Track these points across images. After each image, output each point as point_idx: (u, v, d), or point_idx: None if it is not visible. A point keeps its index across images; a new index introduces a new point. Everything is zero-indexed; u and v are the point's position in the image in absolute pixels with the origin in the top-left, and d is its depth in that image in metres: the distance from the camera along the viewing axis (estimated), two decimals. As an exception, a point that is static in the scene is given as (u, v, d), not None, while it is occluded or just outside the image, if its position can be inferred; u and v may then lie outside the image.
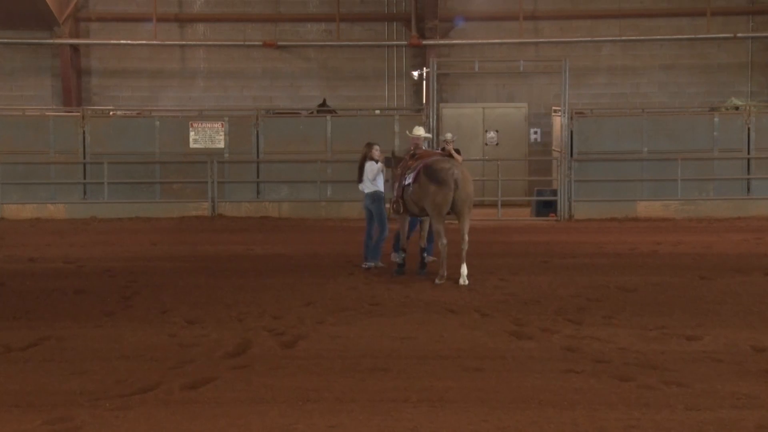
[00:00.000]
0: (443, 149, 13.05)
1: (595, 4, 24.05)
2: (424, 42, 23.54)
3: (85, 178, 20.26)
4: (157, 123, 20.37)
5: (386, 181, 12.78)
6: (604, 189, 19.64)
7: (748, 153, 19.80)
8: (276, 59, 24.31)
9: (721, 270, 12.05)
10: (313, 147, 20.07)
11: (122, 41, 24.09)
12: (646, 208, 19.58)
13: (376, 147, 12.62)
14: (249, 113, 21.15)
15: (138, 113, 22.03)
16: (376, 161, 12.48)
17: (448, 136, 13.08)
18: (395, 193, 11.88)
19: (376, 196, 12.47)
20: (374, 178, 12.46)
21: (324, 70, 24.43)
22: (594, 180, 19.63)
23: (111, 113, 22.06)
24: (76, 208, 19.99)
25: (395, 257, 11.98)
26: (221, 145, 20.21)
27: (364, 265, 12.34)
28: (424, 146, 13.24)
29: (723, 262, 12.83)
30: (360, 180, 12.60)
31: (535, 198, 20.41)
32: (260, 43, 24.00)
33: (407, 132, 13.30)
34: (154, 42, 23.90)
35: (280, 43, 24.02)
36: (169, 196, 20.19)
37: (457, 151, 12.44)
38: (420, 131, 12.54)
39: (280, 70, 24.36)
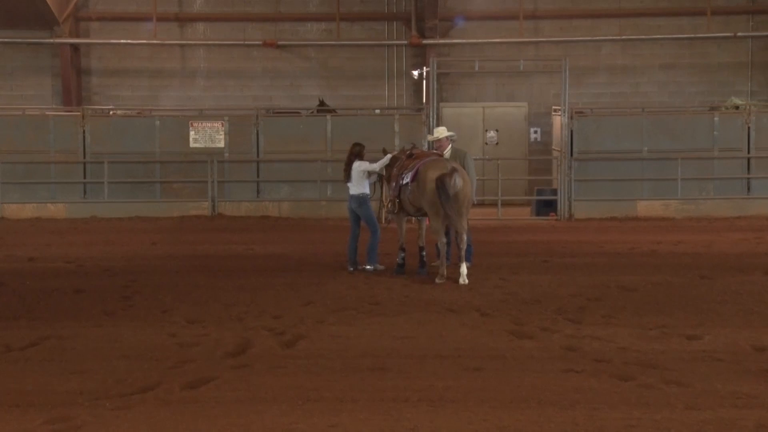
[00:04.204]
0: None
1: (595, 3, 24.06)
2: (424, 41, 23.55)
3: (85, 178, 20.27)
4: (157, 122, 20.37)
5: (374, 182, 12.52)
6: (604, 188, 19.64)
7: (748, 152, 19.80)
8: (276, 59, 24.32)
9: (721, 269, 12.04)
10: (313, 146, 20.07)
11: (122, 41, 24.11)
12: (646, 207, 19.59)
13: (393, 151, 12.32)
14: (249, 113, 21.15)
15: (138, 113, 22.05)
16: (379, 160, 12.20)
17: (450, 134, 13.00)
18: (391, 193, 11.83)
19: (362, 199, 12.12)
20: (360, 179, 12.11)
21: (324, 70, 24.44)
22: (594, 179, 19.64)
23: (111, 113, 22.08)
24: (76, 207, 19.99)
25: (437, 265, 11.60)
26: (221, 144, 20.21)
27: (349, 269, 12.07)
28: (424, 147, 13.16)
29: (723, 262, 12.82)
30: (348, 179, 12.26)
31: (535, 197, 20.42)
32: (260, 42, 24.01)
33: (429, 136, 13.09)
34: (154, 41, 23.93)
35: (280, 42, 24.03)
36: (169, 195, 20.19)
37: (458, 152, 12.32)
38: (441, 132, 12.29)
39: (280, 69, 24.37)
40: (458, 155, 12.27)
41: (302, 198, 20.12)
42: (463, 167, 11.84)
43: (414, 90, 24.20)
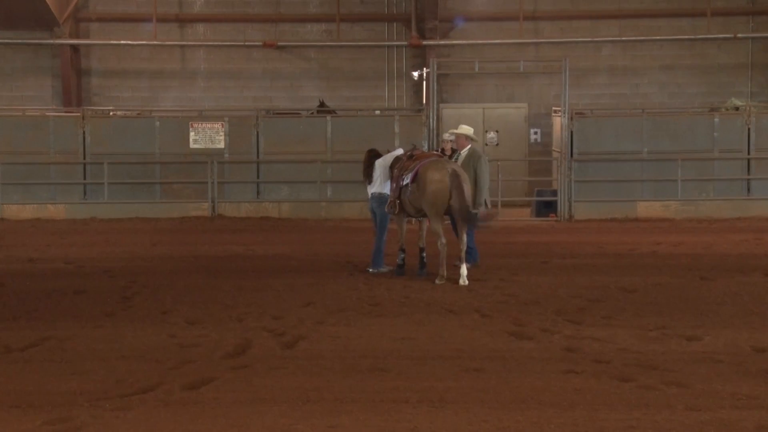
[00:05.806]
0: (443, 150, 13.05)
1: (595, 4, 24.06)
2: (424, 42, 23.55)
3: (85, 179, 20.27)
4: (157, 123, 20.37)
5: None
6: (604, 189, 19.63)
7: (748, 153, 19.80)
8: (276, 59, 24.32)
9: (721, 270, 12.04)
10: (313, 147, 20.06)
11: (122, 41, 24.10)
12: (646, 208, 19.58)
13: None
14: (249, 113, 21.16)
15: (138, 113, 22.06)
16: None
17: (446, 136, 13.04)
18: (392, 194, 11.83)
19: (385, 199, 12.05)
20: (384, 179, 12.09)
21: (324, 71, 24.44)
22: (594, 180, 19.63)
23: (111, 113, 22.08)
24: (76, 208, 19.98)
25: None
26: (221, 145, 20.21)
27: (380, 269, 12.09)
28: (424, 147, 13.10)
29: (723, 263, 12.82)
30: (370, 181, 12.25)
31: (535, 198, 20.41)
32: (260, 43, 24.01)
33: (450, 130, 12.96)
34: (154, 42, 23.93)
35: (280, 43, 24.03)
36: (170, 196, 20.19)
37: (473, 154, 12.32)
38: (465, 130, 12.29)
39: (280, 70, 24.37)
40: (473, 157, 12.24)
41: (302, 199, 20.11)
42: (476, 170, 11.90)
43: (414, 91, 24.21)
